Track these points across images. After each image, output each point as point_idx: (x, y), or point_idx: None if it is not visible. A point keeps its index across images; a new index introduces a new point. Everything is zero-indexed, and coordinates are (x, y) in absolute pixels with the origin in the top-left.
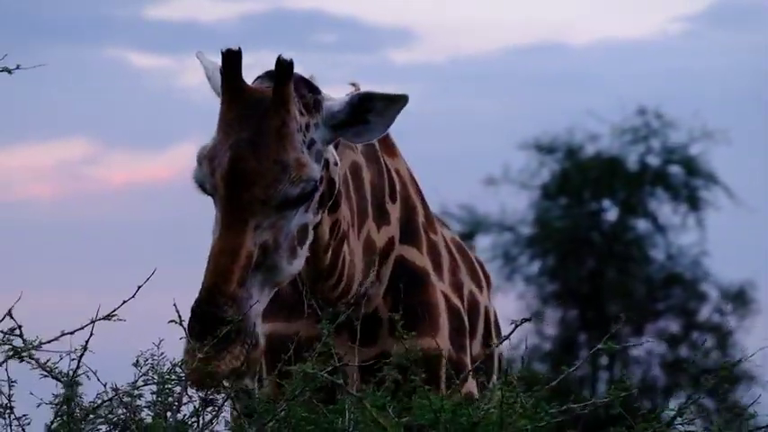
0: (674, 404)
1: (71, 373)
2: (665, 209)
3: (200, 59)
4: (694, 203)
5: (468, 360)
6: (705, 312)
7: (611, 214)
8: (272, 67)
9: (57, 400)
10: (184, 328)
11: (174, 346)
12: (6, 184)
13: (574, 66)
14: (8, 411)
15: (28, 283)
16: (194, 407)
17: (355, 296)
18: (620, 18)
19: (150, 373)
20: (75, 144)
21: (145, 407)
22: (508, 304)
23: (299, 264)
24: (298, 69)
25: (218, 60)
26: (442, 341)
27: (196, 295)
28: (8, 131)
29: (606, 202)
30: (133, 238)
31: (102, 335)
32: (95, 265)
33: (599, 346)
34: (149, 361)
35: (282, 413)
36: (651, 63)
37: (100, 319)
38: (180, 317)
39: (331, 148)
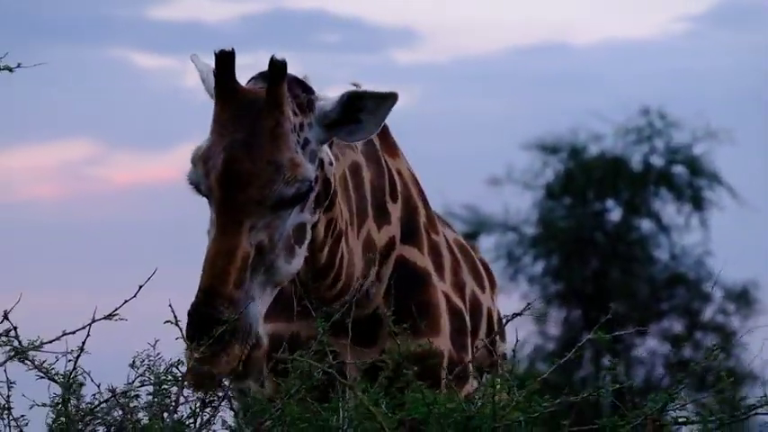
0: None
1: (68, 374)
2: (668, 209)
3: (195, 62)
4: (698, 203)
5: (469, 360)
6: (709, 311)
7: (615, 214)
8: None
9: (54, 401)
10: (181, 329)
11: (171, 346)
12: (9, 185)
13: (577, 66)
14: (6, 412)
15: (30, 284)
16: (191, 408)
17: (354, 295)
18: (622, 18)
19: (147, 374)
20: (78, 145)
21: (142, 408)
22: (512, 304)
23: (297, 263)
24: (300, 69)
25: (212, 62)
26: (444, 341)
27: (193, 298)
28: (11, 132)
29: (610, 203)
30: (136, 238)
31: (104, 335)
32: (98, 265)
33: (590, 335)
34: (146, 362)
35: (278, 412)
36: (654, 63)
37: (100, 319)
38: (176, 317)
39: (326, 147)
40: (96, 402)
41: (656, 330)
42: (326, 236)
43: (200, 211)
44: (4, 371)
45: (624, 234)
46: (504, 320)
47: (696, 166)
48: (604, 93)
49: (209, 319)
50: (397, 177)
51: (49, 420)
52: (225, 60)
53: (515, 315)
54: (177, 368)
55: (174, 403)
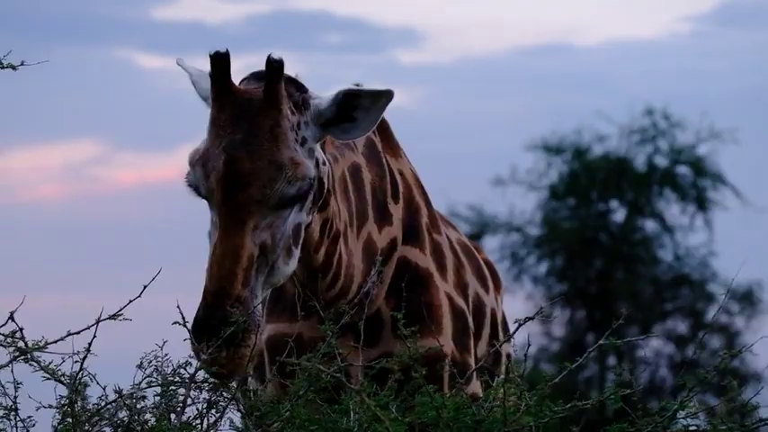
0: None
1: (74, 375)
2: (672, 209)
3: (182, 66)
4: (702, 204)
5: (472, 361)
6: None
7: (619, 215)
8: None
9: (61, 403)
10: (188, 330)
11: (179, 347)
12: (14, 186)
13: (581, 66)
14: (13, 413)
15: (35, 285)
16: (198, 409)
17: (357, 296)
18: (627, 18)
19: (154, 375)
20: (83, 145)
21: (150, 410)
22: (516, 305)
23: (294, 264)
24: (303, 70)
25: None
26: (446, 342)
27: (200, 300)
28: (15, 133)
29: (614, 203)
30: (141, 238)
31: (109, 335)
32: (102, 265)
33: (601, 341)
34: (153, 362)
35: (287, 413)
36: (658, 63)
37: (105, 319)
38: (184, 318)
39: (318, 146)
40: (103, 403)
41: (660, 331)
42: (322, 236)
43: (205, 212)
44: (11, 371)
45: (628, 235)
46: (516, 324)
47: (700, 166)
48: (608, 93)
49: (221, 320)
50: (399, 178)
51: (55, 423)
52: (220, 62)
53: (528, 319)
54: (185, 369)
55: (181, 404)
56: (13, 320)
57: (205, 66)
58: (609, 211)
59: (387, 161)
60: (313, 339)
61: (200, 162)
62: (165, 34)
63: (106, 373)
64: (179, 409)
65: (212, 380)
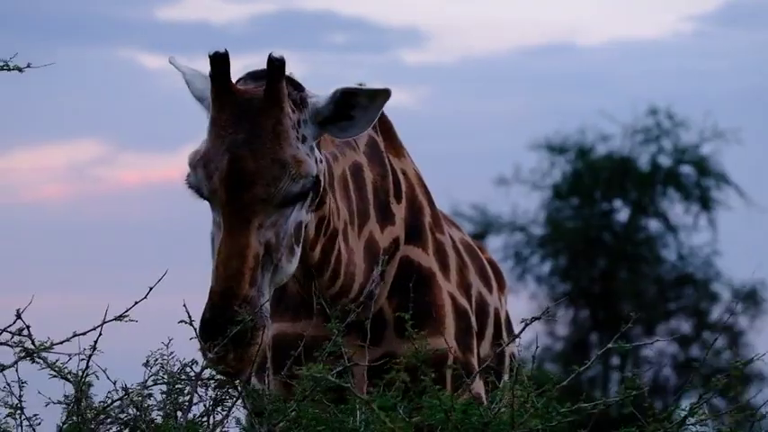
0: (685, 404)
1: (80, 373)
2: (676, 209)
3: (175, 65)
4: (706, 203)
5: (474, 361)
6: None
7: (623, 214)
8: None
9: (67, 401)
10: (195, 329)
11: (185, 346)
12: (17, 186)
13: (584, 66)
14: (19, 412)
15: (39, 285)
16: (204, 407)
17: (361, 296)
18: (630, 18)
19: (160, 373)
20: (86, 145)
21: (156, 408)
22: (520, 305)
23: (296, 262)
24: (308, 69)
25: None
26: (448, 341)
27: (206, 300)
28: (19, 133)
29: (617, 203)
30: (144, 239)
31: (114, 335)
32: (106, 266)
33: (609, 345)
34: (159, 361)
35: (293, 413)
36: (662, 63)
37: (111, 320)
38: (190, 317)
39: (315, 145)
40: (109, 401)
41: (663, 330)
42: (318, 234)
43: (208, 212)
44: (15, 371)
45: (632, 234)
46: (522, 324)
47: (704, 165)
48: (612, 93)
49: (229, 320)
50: (401, 177)
51: (59, 422)
52: (220, 62)
53: (534, 319)
54: (191, 367)
55: (187, 402)
56: (21, 319)
57: (208, 66)
58: (612, 210)
59: (389, 161)
60: (316, 339)
61: (201, 163)
62: (169, 34)
63: (112, 374)
64: (185, 406)
65: (219, 377)
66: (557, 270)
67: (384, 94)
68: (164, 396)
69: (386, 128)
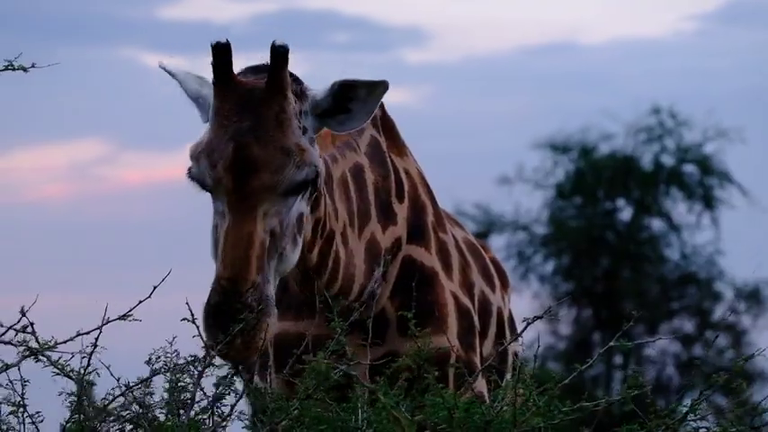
0: (687, 402)
1: (82, 370)
2: (679, 208)
3: (166, 69)
4: (709, 202)
5: (477, 360)
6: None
7: (626, 213)
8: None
9: (70, 399)
10: (197, 327)
11: (188, 344)
12: (19, 186)
13: (587, 65)
14: (21, 409)
15: (40, 285)
16: (207, 404)
17: (362, 296)
18: (632, 17)
19: (163, 371)
20: (89, 144)
21: (159, 407)
22: (523, 304)
23: (298, 253)
24: (310, 68)
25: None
26: (451, 340)
27: (211, 287)
28: (21, 133)
29: (620, 202)
30: (147, 238)
31: (117, 334)
32: (108, 265)
33: (611, 343)
34: (161, 358)
35: (296, 412)
36: (664, 62)
37: (115, 320)
38: (193, 315)
39: (314, 138)
40: (111, 398)
41: (666, 329)
42: (315, 236)
43: (210, 211)
44: (18, 369)
45: (635, 233)
46: (524, 323)
47: (707, 164)
48: (615, 92)
49: (237, 305)
50: (404, 177)
51: (62, 420)
52: (222, 53)
53: (536, 318)
54: (194, 366)
55: (189, 400)
56: (25, 316)
57: (210, 66)
58: (615, 209)
59: (392, 160)
60: (319, 338)
61: (204, 152)
62: (171, 34)
63: (116, 373)
64: (188, 403)
65: (220, 374)
66: (559, 269)
67: (382, 86)
68: (166, 394)
69: (388, 127)
